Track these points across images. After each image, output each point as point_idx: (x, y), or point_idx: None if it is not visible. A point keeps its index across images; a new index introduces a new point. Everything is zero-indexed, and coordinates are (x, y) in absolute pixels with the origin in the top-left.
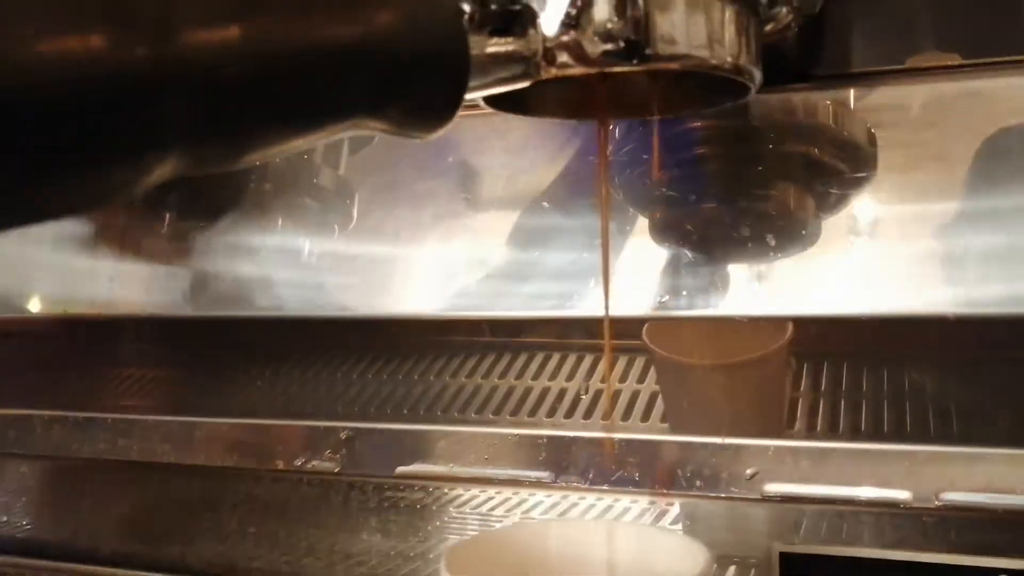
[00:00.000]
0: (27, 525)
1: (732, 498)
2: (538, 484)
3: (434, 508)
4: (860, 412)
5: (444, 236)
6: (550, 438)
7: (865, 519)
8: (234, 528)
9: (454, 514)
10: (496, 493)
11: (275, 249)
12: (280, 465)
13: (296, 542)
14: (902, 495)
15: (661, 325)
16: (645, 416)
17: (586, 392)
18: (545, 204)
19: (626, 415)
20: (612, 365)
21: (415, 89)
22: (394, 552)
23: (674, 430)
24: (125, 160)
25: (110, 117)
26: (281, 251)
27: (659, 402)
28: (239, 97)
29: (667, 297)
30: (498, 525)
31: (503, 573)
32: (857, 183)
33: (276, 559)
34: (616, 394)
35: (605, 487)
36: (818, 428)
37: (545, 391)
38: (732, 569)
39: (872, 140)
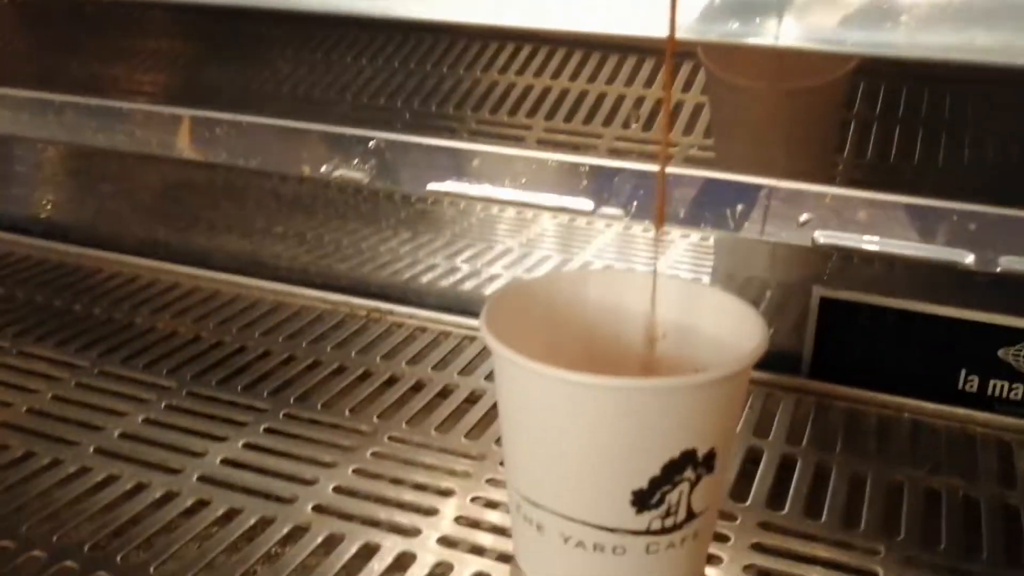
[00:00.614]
0: (49, 208)
1: (782, 242)
2: (577, 212)
3: (466, 224)
4: (926, 164)
5: None
6: (593, 166)
7: (915, 275)
8: (260, 225)
9: (485, 230)
10: (532, 217)
11: None
12: (306, 171)
13: (323, 243)
14: (965, 257)
15: (720, 48)
16: (695, 149)
17: (637, 120)
18: None
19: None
20: (671, 83)
21: None
22: (423, 259)
23: (725, 165)
24: None
25: None
26: None
27: (705, 130)
28: None
29: (729, 23)
30: (527, 253)
31: (540, 323)
32: None
33: (302, 256)
34: (672, 119)
35: (648, 221)
36: (876, 177)
37: (598, 96)
38: (768, 312)
39: None
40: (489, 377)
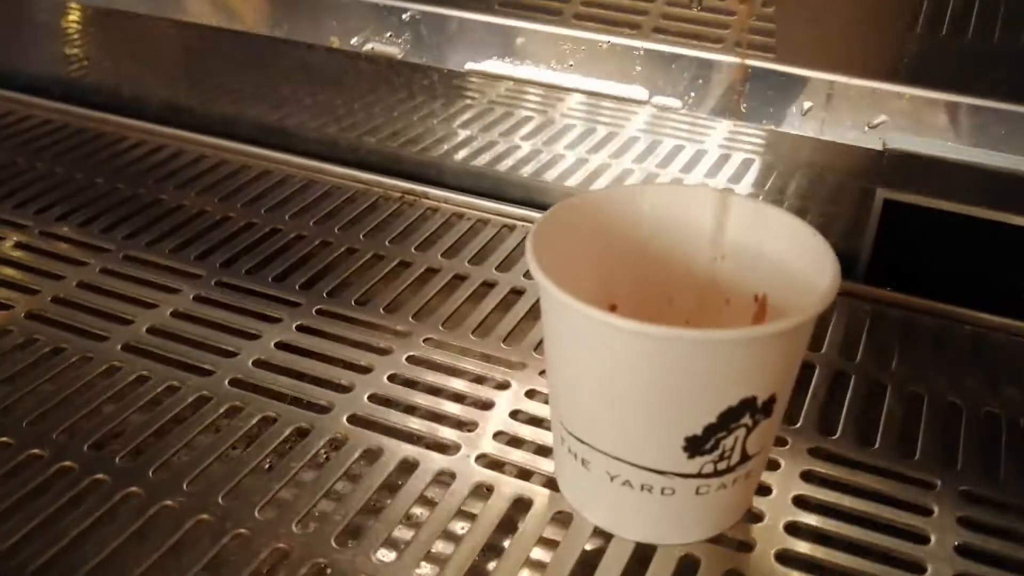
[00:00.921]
0: (70, 69)
1: (851, 144)
2: (627, 101)
3: (507, 107)
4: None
5: None
6: (649, 51)
7: (983, 180)
8: (287, 95)
9: (526, 115)
10: (577, 105)
11: None
12: (335, 43)
13: (353, 118)
14: None
15: None
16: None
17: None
18: None
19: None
20: None
21: None
22: (459, 136)
23: (789, 59)
24: None
25: None
26: None
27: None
28: None
29: None
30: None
31: (592, 241)
32: None
33: (331, 127)
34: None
35: (705, 116)
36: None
37: None
38: (824, 209)
39: None
40: (529, 274)
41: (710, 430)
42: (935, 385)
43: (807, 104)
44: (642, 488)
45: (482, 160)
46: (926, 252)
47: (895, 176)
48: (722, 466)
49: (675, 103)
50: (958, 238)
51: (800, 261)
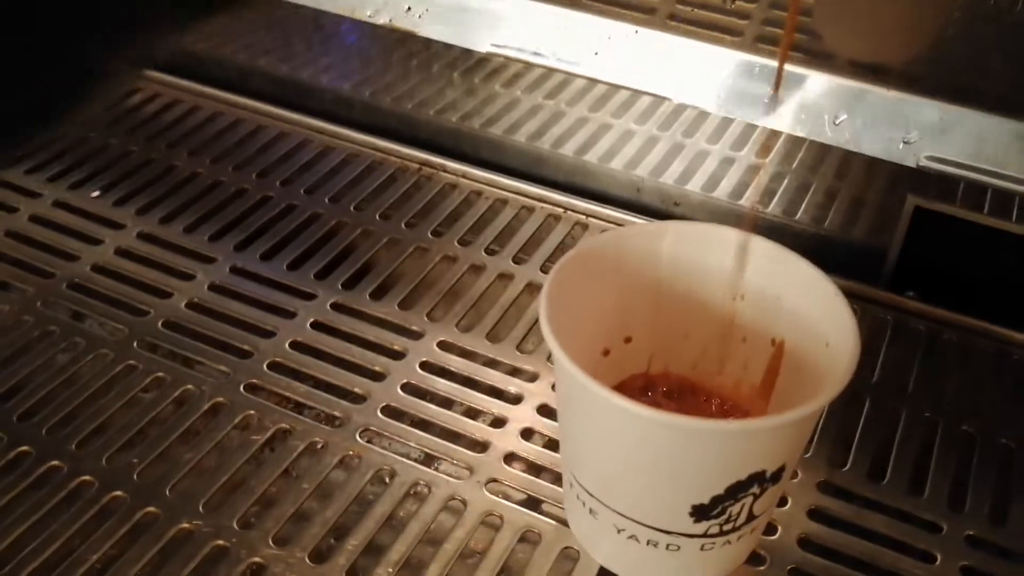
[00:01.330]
0: None
1: (884, 159)
2: (651, 95)
3: (528, 85)
4: None
5: None
6: (681, 45)
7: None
8: (300, 50)
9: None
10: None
11: None
12: (352, 14)
13: (368, 74)
14: None
15: None
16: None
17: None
18: None
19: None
20: None
21: None
22: (478, 104)
23: (829, 66)
24: None
25: None
26: None
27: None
28: None
29: None
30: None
31: (611, 280)
32: None
33: (345, 90)
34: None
35: (736, 114)
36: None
37: None
38: (853, 212)
39: None
40: (546, 268)
41: (717, 500)
42: (951, 412)
43: (840, 115)
44: (648, 543)
45: (500, 129)
46: (955, 263)
47: (927, 185)
48: (728, 527)
49: (708, 105)
50: (987, 250)
51: (818, 313)
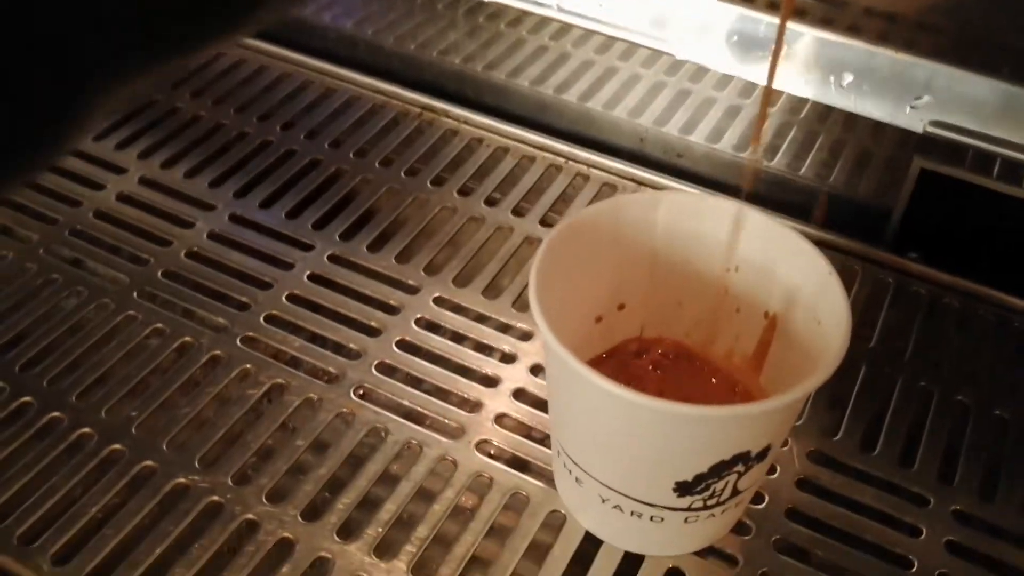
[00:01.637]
0: None
1: (891, 124)
2: (651, 49)
3: (532, 26)
4: None
5: None
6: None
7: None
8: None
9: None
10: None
11: None
12: None
13: (372, 15)
14: None
15: None
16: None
17: None
18: None
19: None
20: None
21: None
22: (482, 47)
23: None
24: None
25: None
26: None
27: None
28: None
29: None
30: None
31: (607, 250)
32: None
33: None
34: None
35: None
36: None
37: None
38: (857, 171)
39: None
40: (546, 220)
41: (701, 478)
42: (948, 380)
43: (846, 75)
44: (632, 514)
45: (503, 73)
46: (959, 228)
47: (934, 147)
48: (712, 502)
49: (711, 65)
50: (992, 215)
51: (811, 290)
